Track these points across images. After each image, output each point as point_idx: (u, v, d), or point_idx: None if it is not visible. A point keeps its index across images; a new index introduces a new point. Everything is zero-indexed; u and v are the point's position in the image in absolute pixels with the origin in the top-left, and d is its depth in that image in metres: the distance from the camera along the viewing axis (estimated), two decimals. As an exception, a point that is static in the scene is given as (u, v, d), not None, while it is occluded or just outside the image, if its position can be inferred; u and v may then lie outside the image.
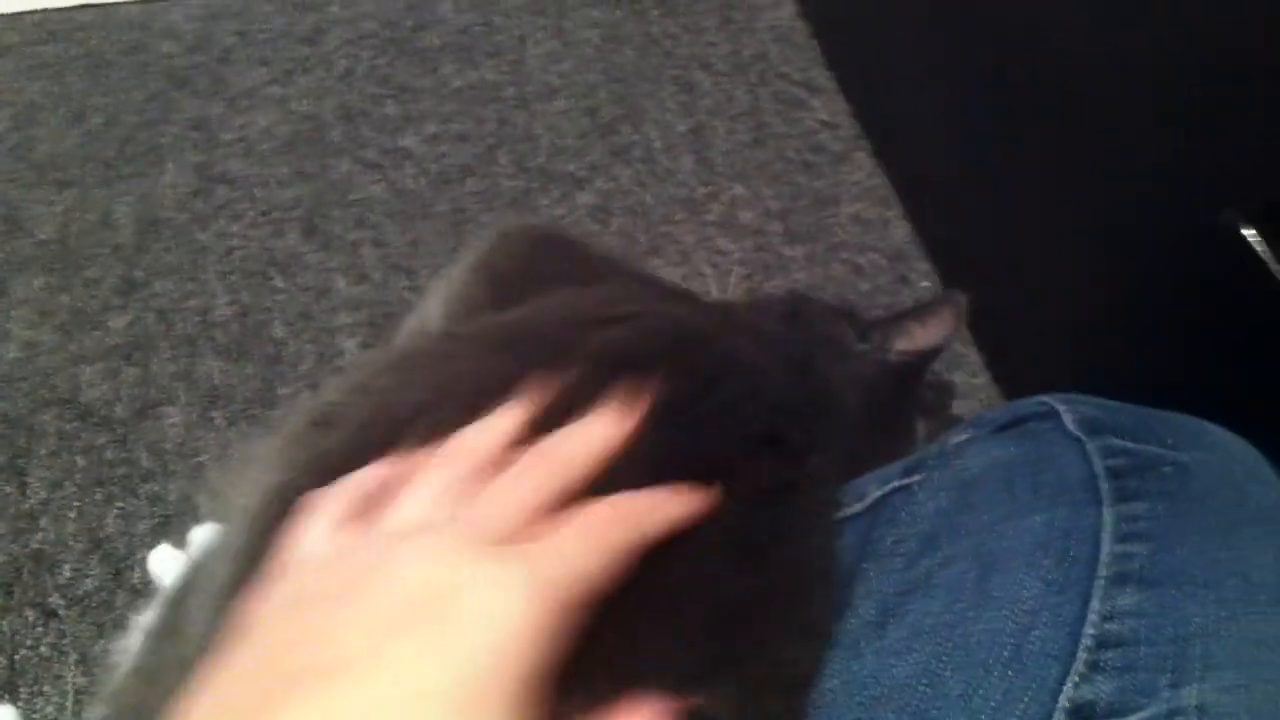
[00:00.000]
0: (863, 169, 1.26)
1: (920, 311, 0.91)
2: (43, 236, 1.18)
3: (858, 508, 0.70)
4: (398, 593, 0.38)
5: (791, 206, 1.22)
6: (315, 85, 1.35)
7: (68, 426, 1.02)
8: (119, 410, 1.03)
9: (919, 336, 0.91)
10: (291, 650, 0.39)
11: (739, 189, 1.24)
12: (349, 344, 1.08)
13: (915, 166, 1.24)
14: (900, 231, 1.20)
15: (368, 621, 0.38)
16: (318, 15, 1.43)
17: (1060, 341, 1.02)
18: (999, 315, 1.03)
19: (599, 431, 0.52)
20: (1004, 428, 0.68)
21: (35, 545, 0.94)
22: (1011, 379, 1.07)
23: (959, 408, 1.03)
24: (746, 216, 1.21)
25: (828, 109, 1.33)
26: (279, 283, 1.13)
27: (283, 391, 1.05)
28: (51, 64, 1.37)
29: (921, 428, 0.97)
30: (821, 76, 1.37)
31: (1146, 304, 0.90)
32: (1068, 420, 0.66)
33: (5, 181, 1.23)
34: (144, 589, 0.91)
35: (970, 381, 1.07)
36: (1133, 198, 0.89)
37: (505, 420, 0.53)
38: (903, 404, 0.97)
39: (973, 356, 1.08)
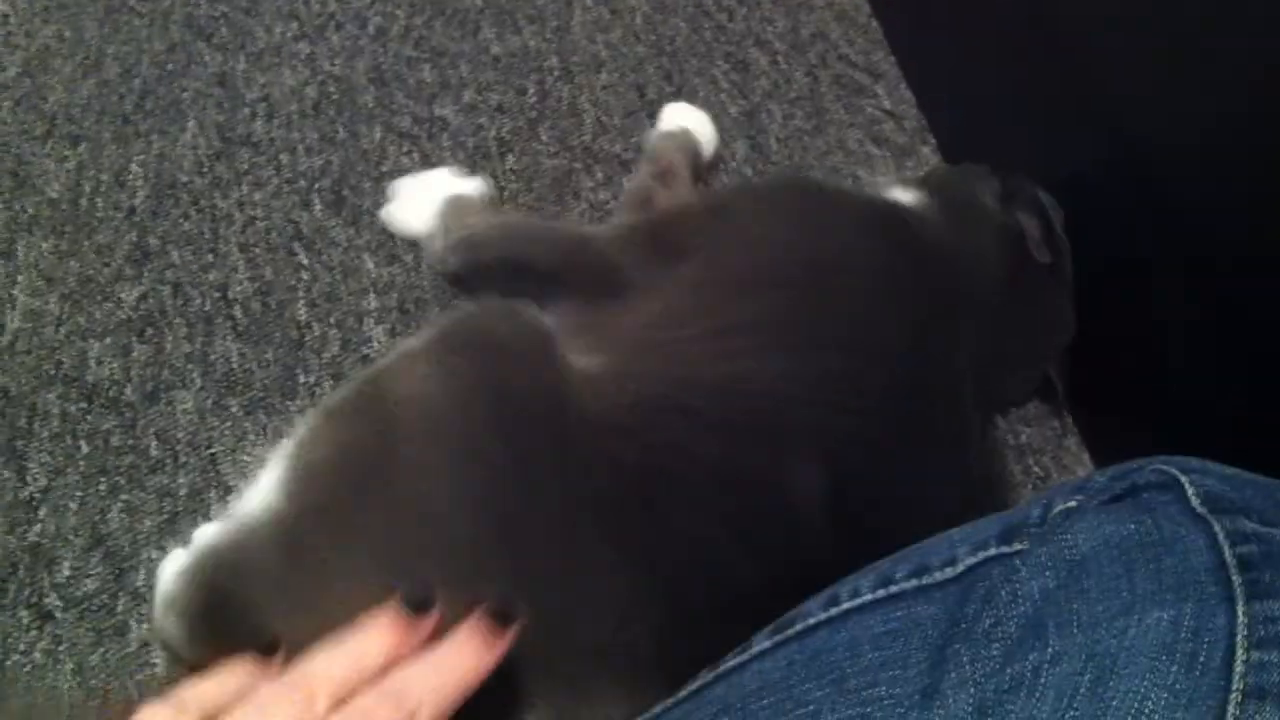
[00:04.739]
0: (927, 165, 1.18)
1: None
2: (52, 195, 1.11)
3: (947, 573, 0.63)
4: None
5: (851, 202, 1.15)
6: (346, 44, 1.27)
7: (72, 408, 0.95)
8: (128, 392, 0.97)
9: None
10: None
11: (795, 180, 1.16)
12: (377, 331, 1.01)
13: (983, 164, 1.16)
14: (966, 235, 1.13)
15: None
16: (351, -33, 1.35)
17: (1143, 368, 0.95)
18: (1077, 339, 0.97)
19: (453, 666, 0.58)
20: (1117, 498, 0.61)
21: (33, 538, 0.88)
22: (1086, 403, 1.00)
23: (1035, 438, 0.97)
24: (803, 211, 1.13)
25: (891, 97, 1.25)
26: (303, 259, 1.06)
27: (304, 380, 0.98)
28: (67, 6, 1.29)
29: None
30: (885, 62, 1.29)
31: (1246, 338, 0.83)
32: (1191, 495, 0.59)
33: (14, 133, 1.16)
34: (147, 594, 0.85)
35: (1042, 408, 1.00)
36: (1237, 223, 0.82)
37: (368, 646, 0.58)
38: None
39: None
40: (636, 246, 0.92)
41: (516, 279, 0.95)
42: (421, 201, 1.05)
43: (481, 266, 0.98)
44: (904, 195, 0.97)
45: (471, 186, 1.07)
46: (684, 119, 1.15)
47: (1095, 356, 0.97)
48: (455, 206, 1.03)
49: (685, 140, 1.12)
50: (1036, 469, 0.97)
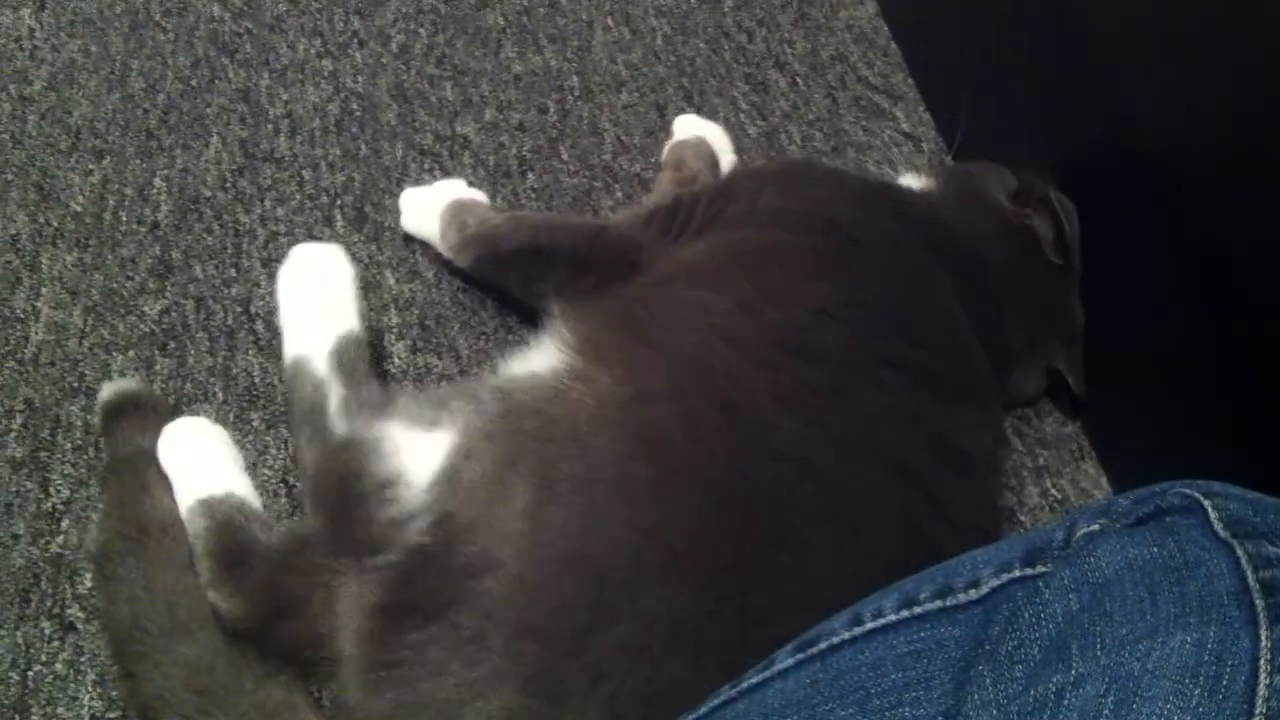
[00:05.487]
0: (946, 187, 1.19)
1: None
2: (76, 208, 1.12)
3: (971, 595, 0.63)
4: None
5: (869, 224, 1.15)
6: (369, 61, 1.28)
7: (95, 420, 0.95)
8: (150, 405, 0.97)
9: None
10: None
11: (814, 201, 1.17)
12: (398, 347, 1.02)
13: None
14: (985, 258, 1.13)
15: None
16: (374, -15, 1.36)
17: (1160, 391, 0.95)
18: (1091, 356, 0.97)
19: None
20: (1141, 521, 0.62)
21: (55, 549, 0.88)
22: (1103, 426, 1.00)
23: (1053, 460, 0.97)
24: (821, 232, 1.14)
25: (910, 119, 1.26)
26: (325, 275, 1.07)
27: (324, 394, 0.98)
28: (92, 21, 1.30)
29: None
30: (904, 84, 1.30)
31: (1266, 359, 0.83)
32: (1214, 518, 0.59)
33: (39, 147, 1.17)
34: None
35: (1060, 430, 1.00)
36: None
37: None
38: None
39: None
40: (653, 228, 0.96)
41: (534, 268, 0.98)
42: (431, 204, 1.06)
43: (498, 258, 1.00)
44: (914, 181, 1.05)
45: (477, 195, 1.09)
46: (699, 129, 1.16)
47: (1113, 380, 0.97)
48: (463, 207, 1.04)
49: (704, 149, 1.13)
50: (1054, 491, 0.97)
